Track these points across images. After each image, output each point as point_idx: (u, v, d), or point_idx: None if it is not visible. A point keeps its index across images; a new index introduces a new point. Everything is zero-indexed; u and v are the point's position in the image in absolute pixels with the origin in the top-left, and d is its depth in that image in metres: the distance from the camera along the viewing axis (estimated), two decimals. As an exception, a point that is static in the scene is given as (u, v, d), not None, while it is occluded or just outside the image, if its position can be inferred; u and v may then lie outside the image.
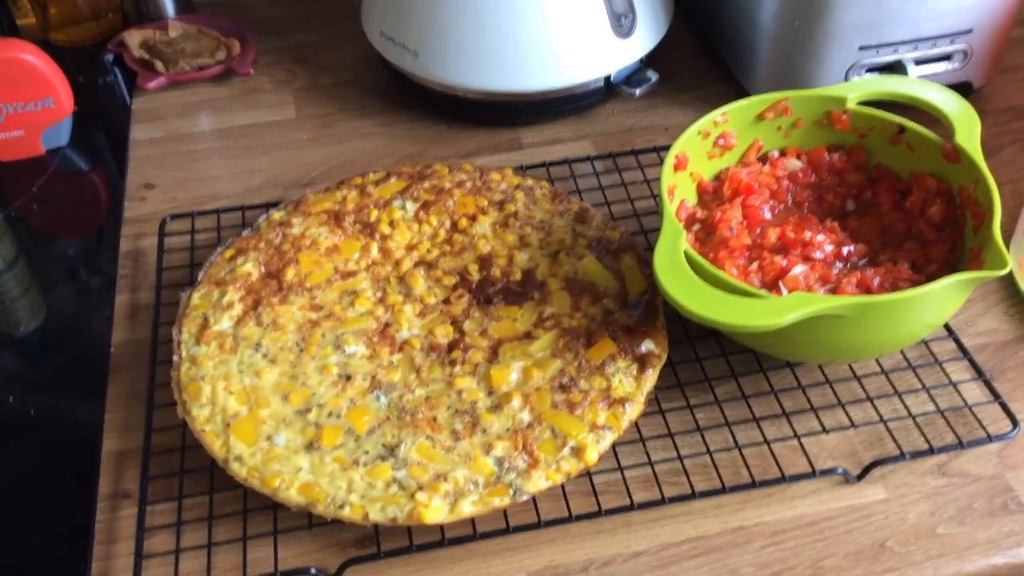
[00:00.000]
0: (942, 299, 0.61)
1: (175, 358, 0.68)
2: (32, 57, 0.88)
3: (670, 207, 0.66)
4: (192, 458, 0.65)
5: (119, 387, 0.72)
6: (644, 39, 0.90)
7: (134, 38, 1.00)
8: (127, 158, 0.91)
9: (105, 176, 0.94)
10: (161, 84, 0.97)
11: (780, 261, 0.67)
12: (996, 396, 0.67)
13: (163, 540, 0.62)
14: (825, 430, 0.66)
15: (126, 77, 1.01)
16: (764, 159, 0.76)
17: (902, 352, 0.70)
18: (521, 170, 0.84)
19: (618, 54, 0.89)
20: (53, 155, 0.93)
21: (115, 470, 0.66)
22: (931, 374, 0.69)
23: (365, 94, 0.98)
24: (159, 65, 0.97)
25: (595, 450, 0.62)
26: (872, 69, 0.85)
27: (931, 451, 0.64)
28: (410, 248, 0.75)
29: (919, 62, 0.85)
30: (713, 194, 0.74)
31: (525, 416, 0.63)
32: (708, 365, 0.70)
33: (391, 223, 0.76)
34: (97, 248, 0.88)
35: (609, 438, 0.63)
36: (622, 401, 0.64)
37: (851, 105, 0.73)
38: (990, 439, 0.65)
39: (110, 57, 1.02)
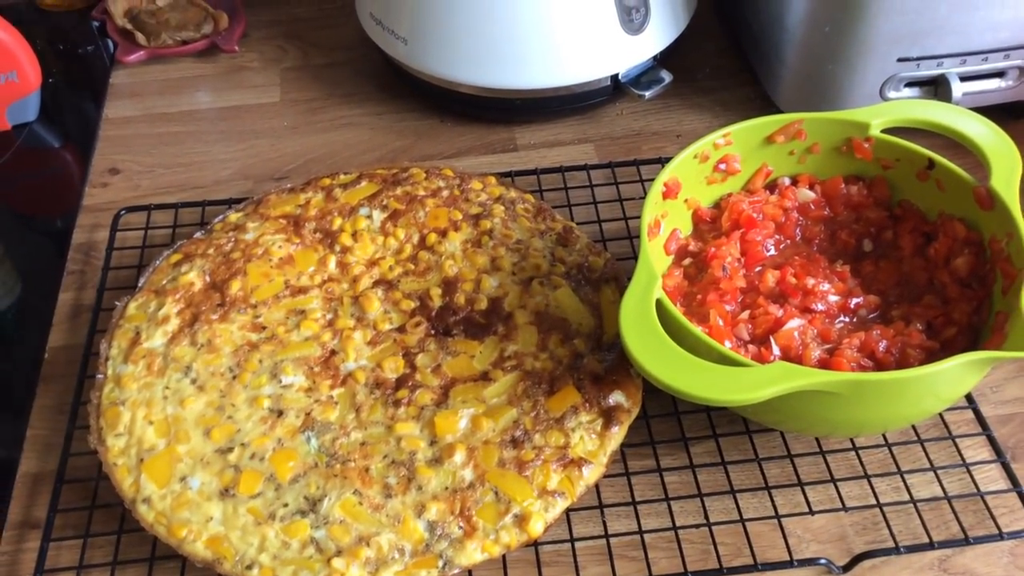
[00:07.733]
0: (953, 378, 0.52)
1: (99, 376, 0.62)
2: (-8, 28, 0.83)
3: (648, 246, 0.57)
4: (108, 490, 0.59)
5: (47, 399, 0.66)
6: (658, 36, 0.81)
7: (118, 6, 0.93)
8: (96, 137, 0.85)
9: (78, 154, 0.88)
10: (141, 58, 0.91)
11: (775, 311, 0.59)
12: (1015, 484, 0.58)
13: (63, 583, 0.56)
14: (812, 511, 0.58)
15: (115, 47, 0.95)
16: (772, 187, 0.67)
17: (912, 420, 0.62)
18: (508, 177, 0.76)
19: (627, 51, 0.80)
20: (20, 131, 0.87)
21: (28, 495, 0.61)
22: (941, 450, 0.61)
23: (357, 78, 0.90)
24: (140, 37, 0.91)
25: (541, 520, 0.55)
26: (911, 84, 0.75)
27: (931, 545, 0.56)
28: (371, 264, 0.68)
29: (965, 78, 0.74)
30: (711, 224, 0.66)
31: (467, 474, 0.56)
32: (687, 421, 0.62)
33: (354, 234, 0.69)
34: (61, 235, 0.82)
35: (560, 506, 0.56)
36: (579, 463, 0.57)
37: (875, 132, 0.64)
38: (1001, 536, 0.56)
39: (96, 24, 0.96)
